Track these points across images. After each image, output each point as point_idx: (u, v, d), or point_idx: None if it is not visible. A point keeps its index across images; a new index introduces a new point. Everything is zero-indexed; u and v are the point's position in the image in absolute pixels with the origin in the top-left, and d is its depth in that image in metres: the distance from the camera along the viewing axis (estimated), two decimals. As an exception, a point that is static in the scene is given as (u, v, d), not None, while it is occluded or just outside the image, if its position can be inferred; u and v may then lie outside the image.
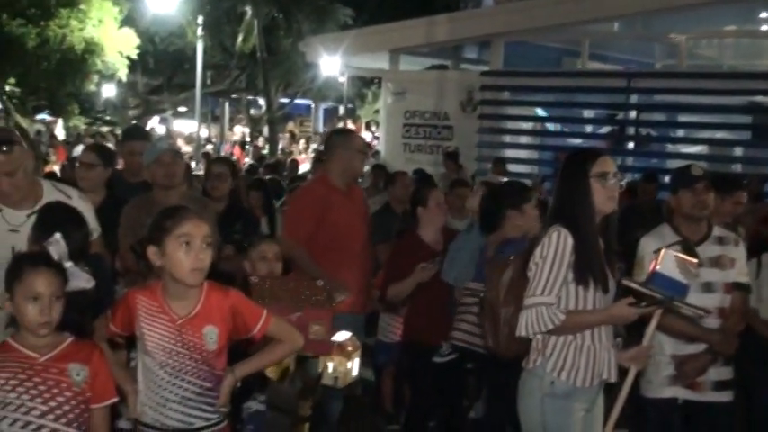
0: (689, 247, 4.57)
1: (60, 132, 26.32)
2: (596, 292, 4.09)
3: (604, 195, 4.13)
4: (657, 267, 4.13)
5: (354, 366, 4.95)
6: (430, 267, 5.98)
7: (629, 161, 16.32)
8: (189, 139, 27.50)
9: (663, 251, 4.25)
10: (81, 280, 3.51)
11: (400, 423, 6.76)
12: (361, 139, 6.97)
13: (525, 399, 4.17)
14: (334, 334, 4.77)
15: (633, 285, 4.13)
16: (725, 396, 4.93)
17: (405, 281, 6.05)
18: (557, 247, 4.04)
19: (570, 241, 4.03)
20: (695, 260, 4.26)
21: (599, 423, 4.25)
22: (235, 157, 22.57)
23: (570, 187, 4.15)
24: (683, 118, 16.67)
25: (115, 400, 3.58)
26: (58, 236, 3.51)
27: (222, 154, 24.05)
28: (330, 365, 4.84)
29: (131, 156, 6.48)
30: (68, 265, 3.48)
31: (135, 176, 6.33)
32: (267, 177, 10.71)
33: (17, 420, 3.36)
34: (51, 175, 7.54)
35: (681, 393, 4.88)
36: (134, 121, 26.16)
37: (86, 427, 3.47)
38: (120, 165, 6.88)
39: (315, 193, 6.05)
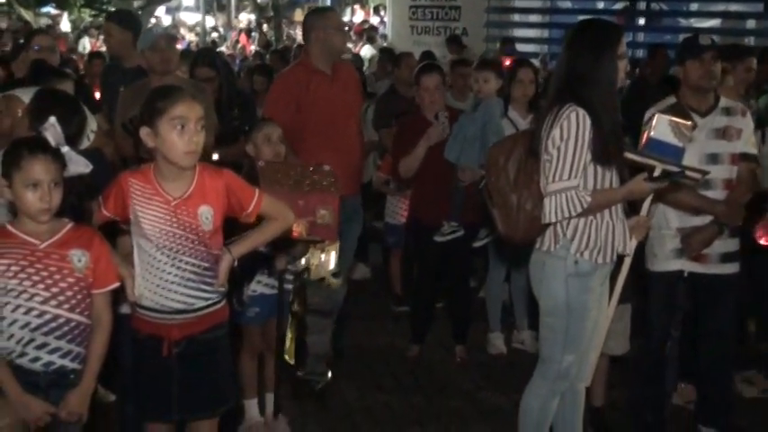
0: (681, 110, 4.51)
1: (66, 25, 26.01)
2: (614, 171, 4.04)
3: (621, 74, 4.05)
4: (651, 133, 4.09)
5: (331, 260, 4.94)
6: (437, 128, 5.98)
7: (641, 37, 16.06)
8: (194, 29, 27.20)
9: (656, 116, 4.19)
10: (79, 165, 3.48)
11: (409, 305, 6.81)
12: (338, 15, 6.81)
13: (548, 281, 4.14)
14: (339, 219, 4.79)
15: (631, 156, 4.08)
16: (730, 268, 4.92)
17: (414, 151, 6.05)
18: (577, 128, 3.92)
19: (588, 121, 3.92)
20: (689, 122, 4.22)
21: (605, 298, 4.25)
22: (240, 45, 22.34)
23: (593, 62, 3.98)
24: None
25: (117, 285, 3.58)
26: (52, 119, 3.46)
27: (228, 42, 23.82)
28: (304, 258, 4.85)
29: (108, 36, 6.52)
30: (65, 149, 3.44)
31: (128, 61, 6.29)
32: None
33: (20, 307, 3.37)
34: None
35: (687, 266, 4.86)
36: (139, 12, 25.79)
37: (88, 312, 3.49)
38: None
39: (293, 76, 5.91)
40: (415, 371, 6.22)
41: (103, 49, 13.42)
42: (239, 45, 22.43)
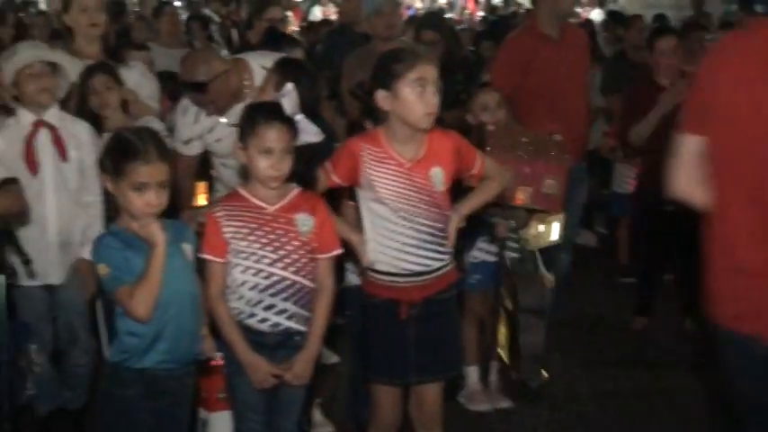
0: None
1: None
2: None
3: None
4: None
5: (553, 230, 4.84)
6: (673, 92, 5.71)
7: None
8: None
9: None
10: (310, 134, 3.52)
11: (635, 276, 6.61)
12: None
13: None
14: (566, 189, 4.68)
15: None
16: None
17: (647, 119, 5.84)
18: None
19: None
20: None
21: None
22: (468, 11, 22.26)
23: None
24: None
25: (340, 251, 3.61)
26: (290, 86, 3.51)
27: (456, 9, 23.80)
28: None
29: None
30: (299, 117, 3.49)
31: (357, 27, 6.40)
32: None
33: (249, 268, 3.46)
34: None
35: None
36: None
37: (312, 276, 3.53)
38: None
39: (519, 41, 5.85)
40: (641, 344, 6.04)
41: (333, 17, 13.73)
42: (466, 11, 22.36)
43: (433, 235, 3.64)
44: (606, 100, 7.56)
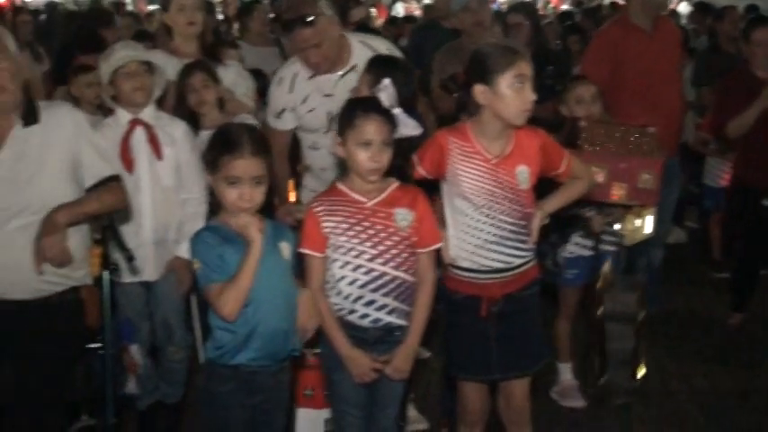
0: None
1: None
2: None
3: None
4: None
5: (647, 224, 4.79)
6: None
7: None
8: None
9: None
10: (408, 127, 3.51)
11: (729, 271, 6.49)
12: None
13: None
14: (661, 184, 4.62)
15: None
16: None
17: (746, 112, 5.73)
18: None
19: None
20: None
21: None
22: (551, 6, 22.07)
23: None
24: None
25: (440, 245, 3.60)
26: (387, 81, 3.51)
27: (541, 1, 23.59)
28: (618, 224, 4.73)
29: None
30: (397, 111, 3.49)
31: (446, 22, 6.41)
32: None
33: (348, 263, 3.47)
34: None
35: None
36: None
37: (413, 271, 3.52)
38: None
39: (611, 34, 5.80)
40: (737, 341, 5.94)
41: (416, 13, 13.72)
42: (549, 5, 22.17)
43: (514, 232, 3.62)
44: (697, 92, 7.43)
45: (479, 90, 3.54)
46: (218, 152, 3.29)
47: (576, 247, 4.86)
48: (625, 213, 4.73)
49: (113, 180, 3.72)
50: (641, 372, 4.86)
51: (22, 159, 3.57)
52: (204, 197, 4.53)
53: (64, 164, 3.63)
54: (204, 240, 3.31)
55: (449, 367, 3.93)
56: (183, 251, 4.52)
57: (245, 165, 3.25)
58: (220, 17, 11.61)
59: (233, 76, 5.22)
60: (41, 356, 3.55)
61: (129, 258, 3.90)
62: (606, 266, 4.75)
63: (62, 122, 3.66)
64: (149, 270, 4.46)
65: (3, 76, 3.53)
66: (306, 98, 4.57)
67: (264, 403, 3.42)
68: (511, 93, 3.50)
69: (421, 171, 3.66)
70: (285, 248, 3.40)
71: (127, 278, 4.34)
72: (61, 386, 3.67)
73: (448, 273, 3.75)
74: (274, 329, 3.34)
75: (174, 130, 4.51)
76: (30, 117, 3.62)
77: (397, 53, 4.66)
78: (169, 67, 5.06)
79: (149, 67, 4.45)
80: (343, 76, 4.52)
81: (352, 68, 4.49)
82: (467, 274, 3.68)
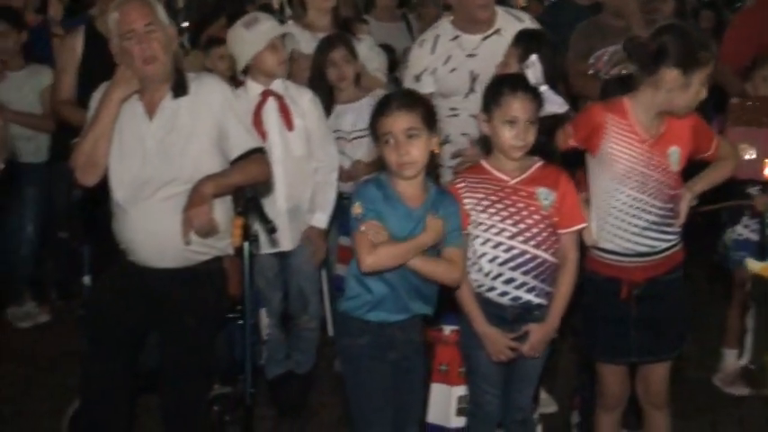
0: None
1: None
2: None
3: None
4: None
5: None
6: None
7: None
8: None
9: None
10: (554, 104, 3.47)
11: None
12: None
13: None
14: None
15: None
16: None
17: None
18: None
19: None
20: None
21: None
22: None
23: None
24: None
25: (584, 225, 3.54)
26: (534, 57, 3.48)
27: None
28: None
29: None
30: (544, 88, 3.45)
31: None
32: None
33: (489, 241, 3.45)
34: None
35: None
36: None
37: (554, 251, 3.48)
38: None
39: (754, 15, 5.64)
40: None
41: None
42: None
43: (661, 216, 3.54)
44: None
45: (672, 75, 3.41)
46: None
47: (745, 229, 4.78)
48: None
49: (257, 152, 3.76)
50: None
51: (173, 130, 3.64)
52: (335, 165, 4.57)
53: (211, 135, 3.68)
54: (370, 189, 3.34)
55: (586, 350, 3.88)
56: (317, 221, 4.57)
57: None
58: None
59: (366, 51, 5.22)
60: (188, 324, 3.63)
61: (272, 230, 3.93)
62: None
63: (211, 94, 3.71)
64: (285, 240, 4.50)
65: (155, 47, 3.60)
66: (448, 58, 4.51)
67: (403, 361, 3.44)
68: (697, 89, 3.42)
69: (572, 143, 3.59)
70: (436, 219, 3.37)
71: (264, 249, 4.38)
72: (206, 354, 3.74)
73: (589, 253, 3.69)
74: (410, 289, 3.36)
75: (302, 100, 4.55)
76: (179, 88, 3.68)
77: (536, 25, 4.59)
78: (302, 41, 5.09)
79: (283, 38, 4.49)
80: (485, 38, 4.48)
81: (496, 32, 4.47)
82: (609, 256, 3.61)
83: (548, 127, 3.53)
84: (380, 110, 3.31)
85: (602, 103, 3.65)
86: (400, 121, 3.26)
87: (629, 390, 3.84)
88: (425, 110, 3.33)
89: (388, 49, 6.08)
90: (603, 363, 3.78)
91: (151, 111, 3.66)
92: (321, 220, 4.59)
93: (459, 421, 3.88)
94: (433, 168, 4.60)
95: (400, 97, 3.36)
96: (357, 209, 3.28)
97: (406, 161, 3.26)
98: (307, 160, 4.56)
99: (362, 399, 3.43)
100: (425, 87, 4.56)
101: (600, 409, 3.88)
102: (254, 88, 4.47)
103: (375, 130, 3.33)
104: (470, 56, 4.48)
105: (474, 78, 4.38)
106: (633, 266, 3.58)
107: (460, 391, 3.89)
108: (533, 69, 3.45)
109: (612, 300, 3.63)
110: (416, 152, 3.27)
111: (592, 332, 3.77)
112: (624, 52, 3.68)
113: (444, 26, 4.58)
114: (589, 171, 3.64)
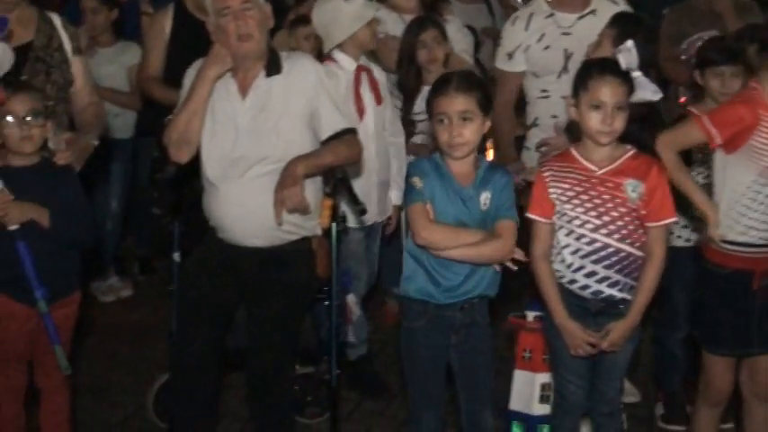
0: None
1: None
2: None
3: None
4: None
5: None
6: None
7: None
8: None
9: None
10: (648, 91, 3.41)
11: None
12: None
13: None
14: None
15: None
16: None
17: None
18: None
19: None
20: None
21: None
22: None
23: None
24: None
25: (673, 220, 3.45)
26: (629, 43, 3.41)
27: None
28: None
29: None
30: (637, 74, 3.38)
31: None
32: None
33: (571, 232, 3.39)
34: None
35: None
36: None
37: (640, 244, 3.39)
38: None
39: None
40: None
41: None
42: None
43: None
44: None
45: None
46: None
47: None
48: None
49: (349, 133, 3.75)
50: None
51: (265, 109, 3.65)
52: (403, 141, 4.62)
53: (304, 115, 3.69)
54: (426, 164, 3.39)
55: (702, 342, 3.78)
56: (395, 198, 4.60)
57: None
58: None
59: (453, 32, 5.19)
60: (277, 305, 3.65)
61: (362, 212, 3.94)
62: None
63: (304, 74, 3.71)
64: (374, 213, 4.53)
65: (250, 24, 3.60)
66: (542, 36, 4.47)
67: (466, 343, 3.44)
68: None
69: (717, 141, 3.53)
70: (486, 197, 3.38)
71: (351, 223, 4.37)
72: (293, 334, 3.76)
73: (711, 246, 3.62)
74: (465, 269, 3.36)
75: (380, 76, 4.59)
76: (273, 67, 3.69)
77: (630, 9, 4.52)
78: (389, 21, 5.07)
79: None
80: (581, 17, 4.43)
81: (591, 12, 4.43)
82: (740, 248, 3.57)
83: (641, 114, 3.46)
84: (438, 89, 3.34)
85: (743, 100, 3.55)
86: (456, 103, 3.28)
87: (733, 386, 3.79)
88: (482, 93, 3.35)
89: (470, 30, 6.03)
90: (721, 355, 3.71)
91: (244, 89, 3.68)
92: (398, 196, 4.63)
93: (543, 409, 3.84)
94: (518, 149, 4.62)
95: (459, 79, 3.35)
96: (417, 182, 3.33)
97: (457, 142, 3.29)
98: (390, 134, 4.63)
99: (416, 383, 3.50)
100: (517, 66, 4.52)
101: (702, 405, 3.84)
102: (348, 64, 4.47)
103: (431, 108, 3.36)
104: (565, 34, 4.43)
105: (568, 57, 4.33)
106: (762, 257, 3.57)
107: (544, 378, 3.86)
108: (628, 54, 3.39)
109: (740, 291, 3.60)
110: (469, 134, 3.30)
111: (710, 325, 3.70)
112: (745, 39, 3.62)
113: (539, 4, 4.54)
114: (718, 167, 3.60)
